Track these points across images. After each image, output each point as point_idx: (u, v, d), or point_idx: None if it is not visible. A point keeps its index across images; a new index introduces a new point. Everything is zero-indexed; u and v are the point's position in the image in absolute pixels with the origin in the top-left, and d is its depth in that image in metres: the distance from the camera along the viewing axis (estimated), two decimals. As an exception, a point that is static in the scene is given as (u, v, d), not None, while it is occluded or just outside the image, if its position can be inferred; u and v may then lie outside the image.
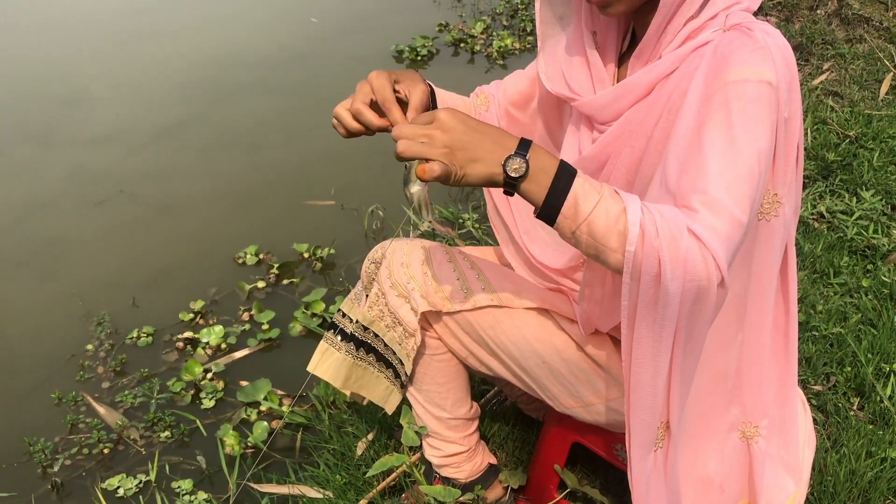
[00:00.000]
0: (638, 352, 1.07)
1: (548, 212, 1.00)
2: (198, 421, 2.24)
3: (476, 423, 1.64)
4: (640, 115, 1.16)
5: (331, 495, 1.83)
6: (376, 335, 1.48)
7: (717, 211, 0.98)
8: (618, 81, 1.24)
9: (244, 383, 2.36)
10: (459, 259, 1.44)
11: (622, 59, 1.28)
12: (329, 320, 2.55)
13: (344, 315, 1.56)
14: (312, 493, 1.87)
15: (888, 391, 1.99)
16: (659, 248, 0.95)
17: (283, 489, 1.94)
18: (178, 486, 2.04)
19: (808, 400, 1.91)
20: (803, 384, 2.04)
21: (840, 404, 1.99)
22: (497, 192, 1.57)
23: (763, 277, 1.21)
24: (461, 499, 1.62)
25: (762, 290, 1.22)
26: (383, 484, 1.80)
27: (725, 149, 1.00)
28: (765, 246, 1.18)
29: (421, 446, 1.66)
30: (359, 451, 1.94)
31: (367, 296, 1.50)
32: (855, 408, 1.99)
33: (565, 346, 1.38)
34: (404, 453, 1.77)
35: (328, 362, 1.58)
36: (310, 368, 1.60)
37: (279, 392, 2.32)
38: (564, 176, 1.00)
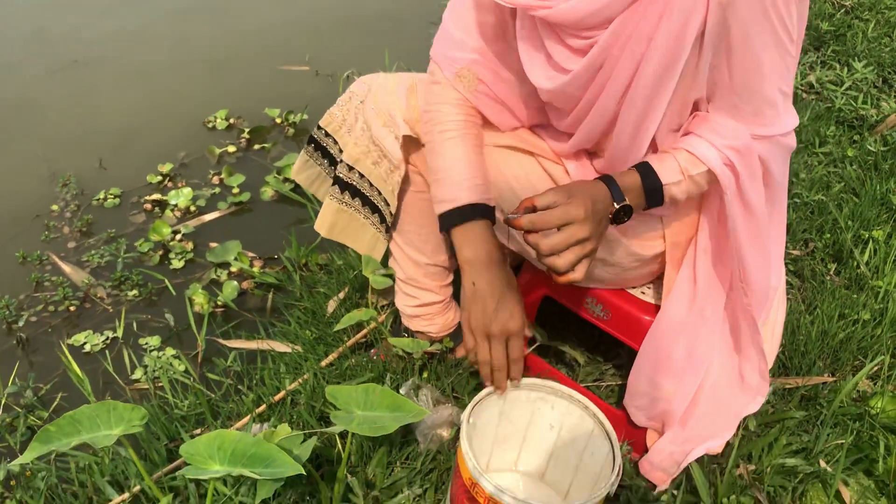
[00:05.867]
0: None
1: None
2: (166, 280, 2.19)
3: (451, 277, 1.62)
4: (635, 19, 1.05)
5: (300, 350, 1.81)
6: (361, 175, 1.47)
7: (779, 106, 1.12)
8: None
9: (214, 245, 2.31)
10: None
11: None
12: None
13: (319, 127, 1.53)
14: (281, 347, 1.84)
15: (865, 257, 1.97)
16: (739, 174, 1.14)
17: (251, 344, 1.91)
18: (146, 343, 2.01)
19: (786, 265, 1.89)
20: (781, 249, 2.01)
21: (817, 269, 1.97)
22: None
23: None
24: (430, 349, 1.60)
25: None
26: (353, 340, 1.78)
27: (777, 55, 1.07)
28: None
29: (393, 295, 1.64)
30: (329, 309, 1.91)
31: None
32: (832, 273, 1.97)
33: (543, 187, 1.32)
34: (372, 308, 1.74)
35: (307, 172, 1.60)
36: (293, 175, 1.63)
37: (250, 254, 2.28)
38: (649, 180, 1.15)
